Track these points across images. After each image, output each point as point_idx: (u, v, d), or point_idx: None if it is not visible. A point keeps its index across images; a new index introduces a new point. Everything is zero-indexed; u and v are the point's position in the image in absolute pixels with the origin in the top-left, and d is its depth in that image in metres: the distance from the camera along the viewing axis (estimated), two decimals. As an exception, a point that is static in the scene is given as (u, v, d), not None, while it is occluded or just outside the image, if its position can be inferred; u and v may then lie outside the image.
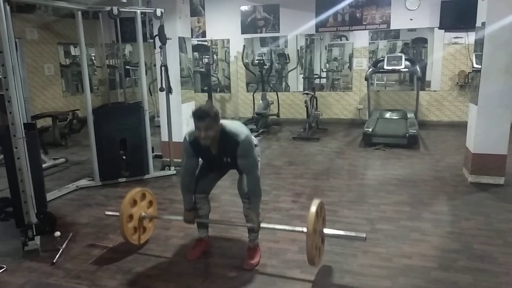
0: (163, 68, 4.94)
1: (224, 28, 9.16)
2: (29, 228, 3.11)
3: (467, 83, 7.78)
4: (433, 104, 8.31)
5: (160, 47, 4.88)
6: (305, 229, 2.54)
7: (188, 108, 5.29)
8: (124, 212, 2.94)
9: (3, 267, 2.91)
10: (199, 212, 2.98)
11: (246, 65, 8.94)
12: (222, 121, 2.65)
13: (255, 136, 2.92)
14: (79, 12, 4.38)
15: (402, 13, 7.98)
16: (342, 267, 2.83)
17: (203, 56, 10.14)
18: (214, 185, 3.04)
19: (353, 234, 2.80)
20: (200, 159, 2.87)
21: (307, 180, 4.84)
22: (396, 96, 8.61)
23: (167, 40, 4.90)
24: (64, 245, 3.19)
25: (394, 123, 7.10)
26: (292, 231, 2.90)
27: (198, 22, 9.32)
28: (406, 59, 7.51)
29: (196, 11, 9.15)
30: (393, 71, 7.78)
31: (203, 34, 9.37)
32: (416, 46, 9.40)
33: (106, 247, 3.23)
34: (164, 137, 5.35)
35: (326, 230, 2.80)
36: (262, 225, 2.84)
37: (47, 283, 2.74)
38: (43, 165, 4.74)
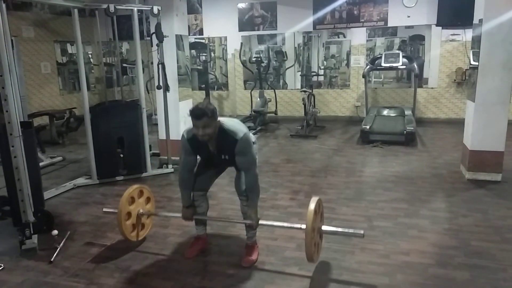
0: (160, 66, 4.92)
1: (222, 26, 9.14)
2: (26, 226, 3.10)
3: (465, 80, 7.79)
4: (430, 101, 8.32)
5: (157, 45, 4.87)
6: (303, 226, 2.54)
7: (186, 106, 5.28)
8: (122, 210, 2.95)
9: (1, 266, 2.91)
10: (198, 210, 2.98)
11: (243, 63, 8.93)
12: (220, 119, 2.64)
13: (253, 134, 2.91)
14: (76, 10, 4.35)
15: (400, 10, 7.98)
16: (340, 264, 2.83)
17: (201, 54, 10.12)
18: (212, 183, 3.04)
19: (351, 231, 2.81)
20: (198, 157, 2.87)
21: (305, 177, 4.84)
22: (394, 93, 8.61)
23: (164, 38, 4.88)
24: (61, 244, 3.18)
25: (391, 120, 7.11)
26: (291, 228, 2.89)
27: (195, 20, 9.30)
28: (403, 56, 7.51)
29: (193, 9, 9.13)
30: (391, 68, 7.78)
31: (200, 32, 9.35)
32: (414, 43, 9.41)
33: (104, 245, 3.23)
34: (162, 135, 5.35)
35: (324, 227, 2.80)
36: (261, 222, 2.83)
37: (45, 281, 2.73)
38: (40, 164, 4.72)
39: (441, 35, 7.99)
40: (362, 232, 2.71)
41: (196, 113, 2.51)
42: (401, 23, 8.24)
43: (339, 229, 2.85)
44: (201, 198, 2.97)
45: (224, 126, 2.63)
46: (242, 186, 2.79)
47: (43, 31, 8.78)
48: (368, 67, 7.78)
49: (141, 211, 3.12)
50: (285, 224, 2.97)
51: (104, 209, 3.40)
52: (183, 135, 2.77)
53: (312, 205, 2.55)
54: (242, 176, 2.79)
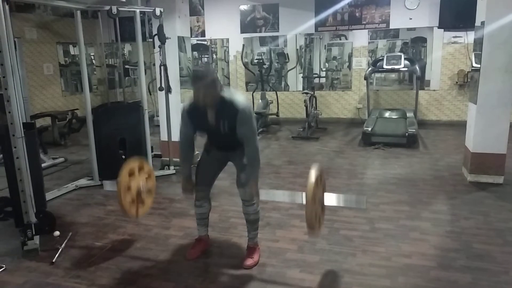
0: (162, 67, 4.93)
1: (224, 28, 9.15)
2: (28, 227, 3.11)
3: (467, 82, 7.78)
4: (432, 104, 8.31)
5: (160, 47, 4.88)
6: (304, 196, 2.46)
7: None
8: (122, 182, 2.84)
9: (3, 267, 2.91)
10: (200, 210, 2.98)
11: (245, 65, 8.94)
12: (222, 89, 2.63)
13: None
14: (78, 12, 4.37)
15: (402, 13, 7.98)
16: (342, 266, 2.83)
17: (203, 56, 10.14)
18: (214, 181, 2.99)
19: (353, 203, 2.76)
20: (200, 142, 2.83)
21: (306, 179, 4.82)
22: (396, 95, 8.61)
23: (166, 40, 4.89)
24: (63, 245, 3.19)
25: (393, 122, 7.10)
26: (292, 201, 2.84)
27: (198, 22, 9.31)
28: (405, 59, 7.50)
29: (195, 11, 9.14)
30: (393, 70, 7.78)
31: (203, 34, 9.36)
32: (416, 46, 9.41)
33: (106, 246, 3.23)
34: (164, 137, 5.35)
35: (326, 196, 2.71)
36: (261, 194, 2.75)
37: (46, 282, 2.74)
38: (43, 165, 4.74)
39: (443, 37, 7.99)
40: (364, 206, 2.65)
41: (197, 76, 2.52)
42: (403, 25, 8.24)
43: (341, 200, 2.79)
44: (204, 198, 2.96)
45: (225, 96, 2.60)
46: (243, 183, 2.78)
47: (46, 33, 8.81)
48: (370, 69, 7.78)
49: (141, 186, 3.01)
50: (286, 196, 2.91)
51: (105, 187, 3.28)
52: (182, 108, 2.75)
53: (312, 176, 2.46)
54: (242, 176, 2.77)
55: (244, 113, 2.58)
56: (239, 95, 2.67)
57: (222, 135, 2.70)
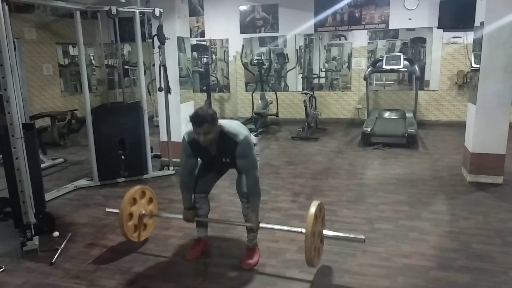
0: (162, 68, 4.93)
1: (223, 28, 9.16)
2: (27, 228, 3.11)
3: (466, 83, 7.79)
4: (432, 104, 8.32)
5: (159, 47, 4.88)
6: (304, 230, 2.54)
7: (187, 108, 5.30)
8: (124, 211, 2.94)
9: (2, 268, 2.91)
10: (199, 212, 2.98)
11: (245, 65, 8.94)
12: (221, 121, 2.64)
13: (254, 136, 2.92)
14: (78, 12, 4.37)
15: (401, 13, 7.99)
16: (341, 267, 2.83)
17: (202, 56, 10.13)
18: (213, 185, 3.04)
19: (352, 235, 2.80)
20: (199, 159, 2.88)
21: (306, 179, 4.84)
22: (395, 95, 8.61)
23: (166, 40, 4.89)
24: (62, 245, 3.19)
25: (393, 122, 7.11)
26: (291, 231, 2.89)
27: (197, 22, 9.31)
28: (405, 59, 7.50)
29: (195, 11, 9.15)
30: (392, 70, 7.78)
31: (202, 34, 9.37)
32: (415, 46, 9.40)
33: (105, 247, 3.23)
34: (163, 137, 5.35)
35: (325, 232, 2.79)
36: (261, 225, 2.83)
37: (46, 283, 2.74)
38: (42, 165, 4.73)
39: (442, 38, 8.00)
40: (363, 237, 2.70)
41: (197, 120, 2.50)
42: (403, 26, 8.25)
43: (340, 234, 2.84)
44: (203, 200, 2.96)
45: (224, 129, 2.62)
46: (243, 188, 2.79)
47: (45, 33, 8.81)
48: (369, 69, 7.78)
49: (143, 212, 3.12)
50: (286, 228, 2.96)
51: (107, 209, 3.41)
52: (184, 138, 2.76)
53: (312, 209, 2.53)
54: (243, 178, 2.79)
55: (243, 146, 2.61)
56: (237, 126, 2.70)
57: (224, 163, 2.78)
